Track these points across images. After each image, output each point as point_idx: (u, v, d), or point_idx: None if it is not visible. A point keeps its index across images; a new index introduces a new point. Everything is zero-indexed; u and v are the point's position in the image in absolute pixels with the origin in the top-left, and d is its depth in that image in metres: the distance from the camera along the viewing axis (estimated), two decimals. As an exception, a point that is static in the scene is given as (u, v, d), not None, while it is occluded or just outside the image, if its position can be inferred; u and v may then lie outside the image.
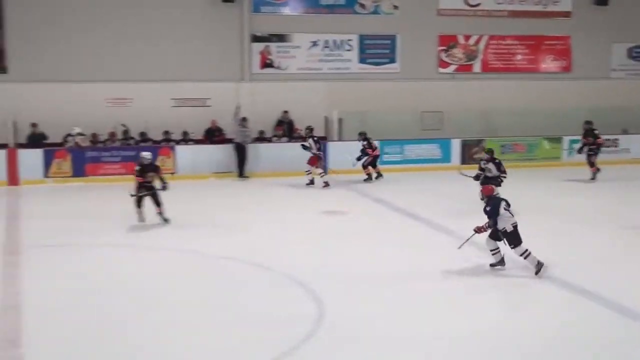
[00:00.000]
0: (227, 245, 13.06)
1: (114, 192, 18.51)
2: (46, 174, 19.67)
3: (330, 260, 12.06)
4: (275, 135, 22.14)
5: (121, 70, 21.42)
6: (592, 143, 19.87)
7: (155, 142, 20.83)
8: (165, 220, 14.55)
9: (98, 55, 21.33)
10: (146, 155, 14.74)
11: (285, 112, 22.32)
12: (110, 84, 21.35)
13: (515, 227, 11.11)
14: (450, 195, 17.52)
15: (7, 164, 19.39)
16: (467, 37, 24.34)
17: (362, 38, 23.54)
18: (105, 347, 8.54)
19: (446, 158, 22.38)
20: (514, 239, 11.11)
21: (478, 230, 11.31)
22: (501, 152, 21.13)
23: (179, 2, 21.96)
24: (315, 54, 23.24)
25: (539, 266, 11.01)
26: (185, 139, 21.14)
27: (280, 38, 22.98)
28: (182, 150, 20.67)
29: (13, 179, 19.39)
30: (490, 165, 15.94)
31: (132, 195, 14.38)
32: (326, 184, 19.12)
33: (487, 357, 8.26)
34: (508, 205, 11.28)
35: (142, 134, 20.84)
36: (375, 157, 20.26)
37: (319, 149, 19.41)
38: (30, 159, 19.66)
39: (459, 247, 11.56)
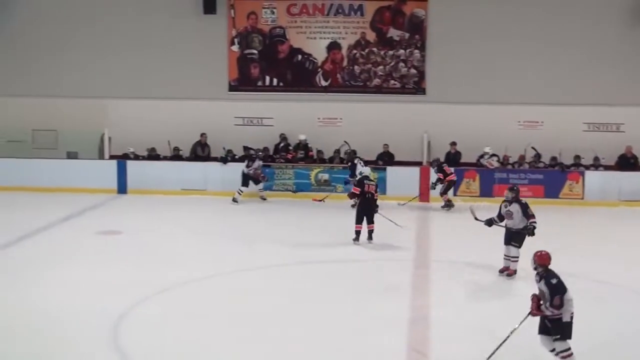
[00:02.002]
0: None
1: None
2: (455, 193, 20.30)
3: None
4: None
5: (533, 92, 21.45)
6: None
7: (564, 166, 20.51)
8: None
9: (510, 78, 21.53)
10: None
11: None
12: (522, 106, 21.48)
13: (572, 316, 8.55)
14: None
15: (420, 180, 20.33)
16: None
17: None
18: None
19: None
20: (567, 330, 8.50)
21: (536, 313, 8.61)
22: None
23: (596, 23, 21.41)
24: None
25: None
26: (595, 165, 20.58)
27: None
28: (591, 176, 20.16)
29: (424, 195, 20.27)
30: (514, 208, 12.49)
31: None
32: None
33: None
34: None
35: (553, 159, 20.65)
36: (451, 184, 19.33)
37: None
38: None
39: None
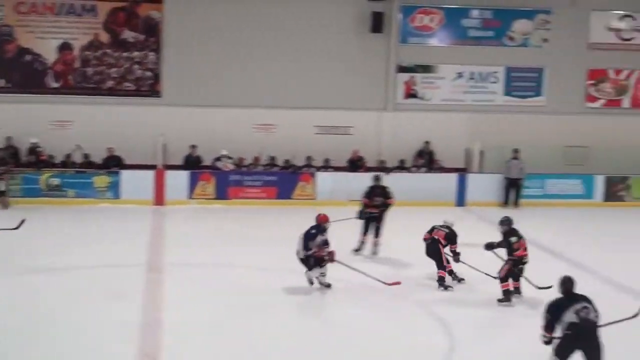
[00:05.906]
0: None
1: (254, 215, 19.11)
2: (190, 196, 20.34)
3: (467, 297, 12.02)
4: (415, 166, 22.10)
5: (267, 96, 21.92)
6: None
7: (296, 167, 21.18)
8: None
9: (245, 81, 21.85)
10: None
11: (427, 142, 22.26)
12: (257, 109, 21.87)
13: None
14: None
15: (155, 184, 20.19)
16: (618, 72, 23.58)
17: (509, 70, 23.13)
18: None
19: (589, 194, 21.96)
20: None
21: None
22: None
23: (327, 32, 22.18)
24: (460, 85, 23.02)
25: None
26: (325, 166, 21.41)
27: (426, 69, 22.87)
28: (322, 177, 20.96)
29: (159, 198, 20.18)
30: None
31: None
32: None
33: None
34: None
35: (286, 161, 21.24)
36: None
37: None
38: (177, 180, 20.36)
39: None
